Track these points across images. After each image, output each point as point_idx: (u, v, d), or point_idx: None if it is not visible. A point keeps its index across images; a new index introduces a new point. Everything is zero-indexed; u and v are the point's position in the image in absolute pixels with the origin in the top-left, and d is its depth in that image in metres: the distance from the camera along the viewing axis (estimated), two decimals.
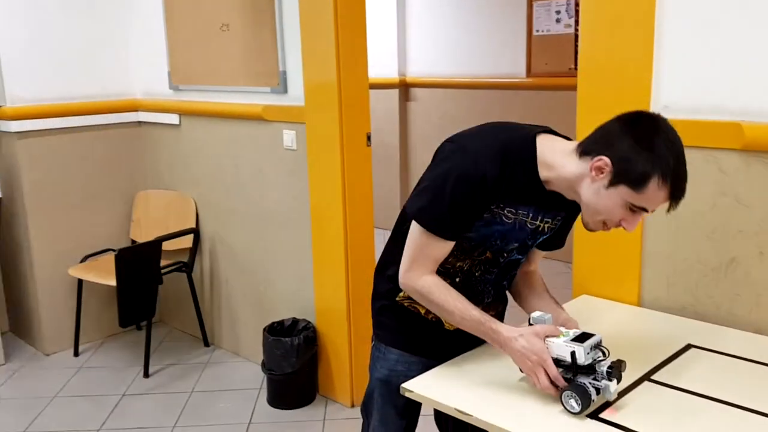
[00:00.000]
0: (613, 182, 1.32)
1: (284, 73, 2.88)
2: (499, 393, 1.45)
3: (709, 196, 1.80)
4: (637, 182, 1.30)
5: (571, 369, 1.35)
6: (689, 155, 1.85)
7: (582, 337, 1.35)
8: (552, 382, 1.35)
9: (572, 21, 4.49)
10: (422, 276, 1.48)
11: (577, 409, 1.31)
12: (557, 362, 1.36)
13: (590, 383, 1.32)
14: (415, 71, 5.44)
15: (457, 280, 1.54)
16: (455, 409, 1.40)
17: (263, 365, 3.00)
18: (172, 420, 2.89)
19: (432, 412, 1.89)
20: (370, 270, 2.92)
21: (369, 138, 2.79)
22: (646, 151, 1.29)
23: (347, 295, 2.85)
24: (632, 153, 1.30)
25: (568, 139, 1.48)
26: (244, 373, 3.29)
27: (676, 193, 1.32)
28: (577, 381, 1.34)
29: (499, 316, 1.68)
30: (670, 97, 1.83)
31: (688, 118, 1.80)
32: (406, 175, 5.66)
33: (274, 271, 3.18)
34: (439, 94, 5.26)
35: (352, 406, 2.96)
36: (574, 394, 1.31)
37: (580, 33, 2.00)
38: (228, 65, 3.12)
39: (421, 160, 5.49)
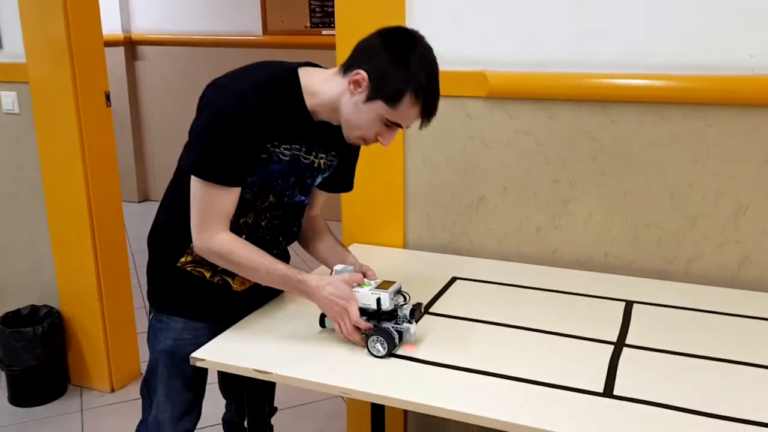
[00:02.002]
0: (370, 97, 1.35)
1: None
2: (297, 347, 1.43)
3: (460, 140, 1.96)
4: (391, 98, 1.33)
5: (375, 316, 1.39)
6: (441, 103, 1.99)
7: (384, 285, 1.40)
8: (357, 330, 1.38)
9: None
10: (217, 234, 1.40)
11: (383, 352, 1.36)
12: (363, 311, 1.38)
13: (393, 327, 1.38)
14: (142, 28, 5.05)
15: (243, 237, 1.48)
16: (253, 370, 1.35)
17: (0, 362, 2.63)
18: None
19: (216, 380, 1.84)
20: (121, 244, 2.72)
21: (108, 97, 2.54)
22: (400, 67, 1.32)
23: (97, 274, 2.60)
24: (388, 68, 1.33)
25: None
26: None
27: (427, 110, 1.37)
28: (382, 326, 1.38)
29: None
30: None
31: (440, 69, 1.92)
32: (140, 141, 5.28)
33: None
34: (171, 53, 4.96)
35: (112, 391, 2.74)
36: (379, 338, 1.35)
37: None
38: None
39: (158, 124, 5.16)
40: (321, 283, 1.40)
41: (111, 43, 4.90)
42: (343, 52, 2.00)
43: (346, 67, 1.39)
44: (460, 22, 1.89)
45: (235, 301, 1.56)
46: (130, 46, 5.09)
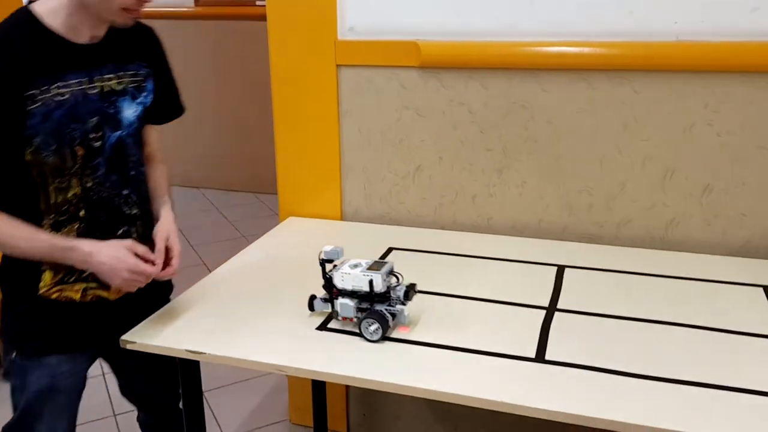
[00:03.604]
0: None
1: None
2: (231, 326, 1.41)
3: (394, 110, 1.94)
4: None
5: (368, 298, 1.33)
6: (375, 74, 1.97)
7: (375, 266, 1.34)
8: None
9: None
10: None
11: (377, 336, 1.31)
12: (354, 293, 1.33)
13: (386, 309, 1.33)
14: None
15: (82, 213, 1.35)
16: (185, 350, 1.32)
17: None
18: None
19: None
20: None
21: None
22: None
23: None
24: None
25: None
26: None
27: None
28: (374, 308, 1.33)
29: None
30: (355, 19, 1.91)
31: (372, 39, 1.90)
32: None
33: None
34: None
35: None
36: (374, 322, 1.30)
37: None
38: None
39: None
40: (96, 247, 1.28)
41: None
42: (274, 22, 1.97)
43: None
44: None
45: (118, 314, 1.42)
46: None
